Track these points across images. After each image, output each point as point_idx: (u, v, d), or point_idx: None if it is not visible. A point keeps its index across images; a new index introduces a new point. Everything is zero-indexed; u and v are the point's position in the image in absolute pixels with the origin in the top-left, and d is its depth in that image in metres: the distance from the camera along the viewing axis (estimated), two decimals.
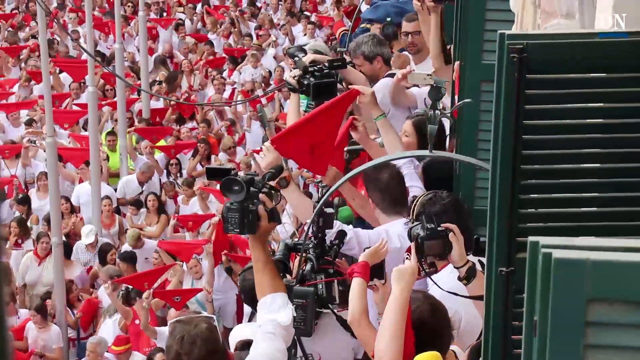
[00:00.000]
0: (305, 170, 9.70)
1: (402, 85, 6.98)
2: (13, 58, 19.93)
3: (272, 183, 4.81)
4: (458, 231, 4.73)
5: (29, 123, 17.02)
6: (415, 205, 5.11)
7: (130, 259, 13.14)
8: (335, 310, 5.27)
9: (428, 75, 6.60)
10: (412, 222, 5.03)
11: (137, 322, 11.81)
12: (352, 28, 9.48)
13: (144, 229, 14.29)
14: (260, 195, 4.65)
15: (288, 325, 4.55)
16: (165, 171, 16.05)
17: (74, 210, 14.63)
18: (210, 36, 21.51)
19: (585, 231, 3.23)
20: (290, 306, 4.60)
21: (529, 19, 4.62)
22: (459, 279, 4.70)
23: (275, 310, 4.54)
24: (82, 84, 18.06)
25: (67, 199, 14.59)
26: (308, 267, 5.31)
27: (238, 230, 4.62)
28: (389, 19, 7.74)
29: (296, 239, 5.76)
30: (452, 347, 4.59)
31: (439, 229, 4.67)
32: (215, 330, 4.42)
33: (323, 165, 6.21)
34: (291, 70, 6.94)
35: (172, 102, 17.51)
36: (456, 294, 4.77)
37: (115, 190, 15.51)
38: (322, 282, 5.19)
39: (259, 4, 23.32)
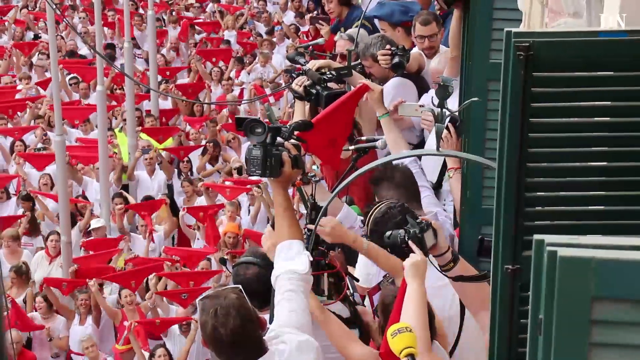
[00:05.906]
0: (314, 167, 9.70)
1: (395, 117, 6.99)
2: (26, 56, 19.95)
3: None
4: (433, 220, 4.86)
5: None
6: (369, 221, 5.14)
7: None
8: (322, 304, 5.28)
9: (420, 105, 6.62)
10: (367, 238, 5.13)
11: (125, 323, 11.77)
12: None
13: (155, 227, 14.27)
14: (286, 143, 4.68)
15: (306, 274, 4.57)
16: (176, 170, 16.06)
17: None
18: (227, 34, 21.45)
19: (591, 229, 3.22)
20: (306, 253, 4.62)
21: (537, 18, 4.61)
22: (446, 263, 4.72)
23: (292, 257, 4.57)
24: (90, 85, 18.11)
25: (86, 198, 14.62)
26: None
27: (260, 172, 4.63)
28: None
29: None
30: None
31: (423, 221, 4.74)
32: (245, 299, 4.39)
33: (338, 158, 6.28)
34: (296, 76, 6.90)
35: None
36: (462, 278, 4.79)
37: (127, 187, 15.55)
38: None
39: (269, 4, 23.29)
